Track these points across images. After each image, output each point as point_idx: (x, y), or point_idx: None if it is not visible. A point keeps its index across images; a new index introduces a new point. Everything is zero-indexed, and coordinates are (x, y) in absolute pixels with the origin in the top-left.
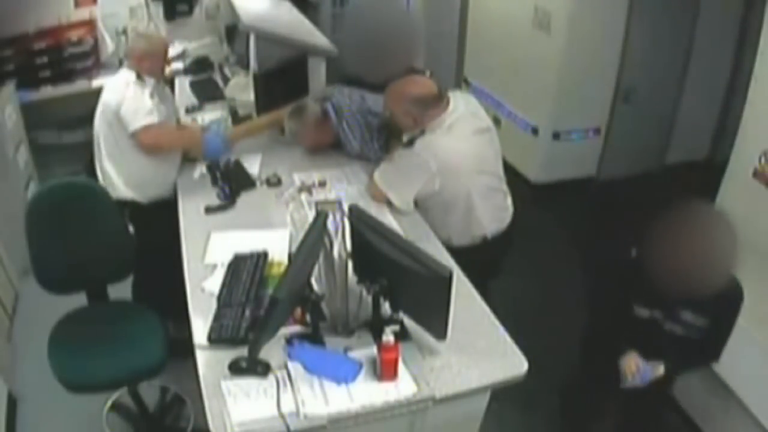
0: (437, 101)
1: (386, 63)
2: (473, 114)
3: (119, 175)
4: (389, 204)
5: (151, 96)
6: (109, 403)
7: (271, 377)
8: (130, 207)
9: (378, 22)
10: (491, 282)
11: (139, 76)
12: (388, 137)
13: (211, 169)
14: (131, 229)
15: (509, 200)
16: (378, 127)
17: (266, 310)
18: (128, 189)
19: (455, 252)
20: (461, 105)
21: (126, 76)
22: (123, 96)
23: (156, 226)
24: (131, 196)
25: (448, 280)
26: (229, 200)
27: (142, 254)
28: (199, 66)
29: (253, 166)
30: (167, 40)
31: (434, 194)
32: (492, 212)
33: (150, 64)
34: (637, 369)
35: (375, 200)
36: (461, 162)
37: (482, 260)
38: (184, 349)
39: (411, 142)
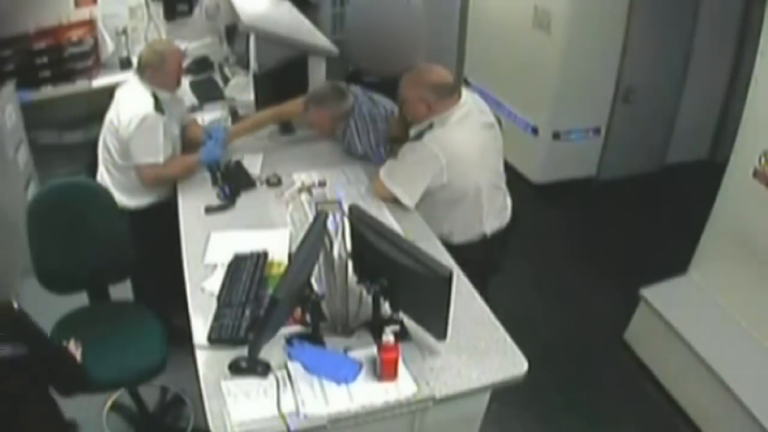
0: (452, 91)
1: (391, 56)
2: (480, 110)
3: (118, 189)
4: (390, 203)
5: (164, 132)
6: (109, 403)
7: (271, 377)
8: (130, 211)
9: (380, 16)
10: (491, 280)
11: (156, 105)
12: (393, 143)
13: (212, 169)
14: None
15: (509, 200)
16: (384, 131)
17: (266, 310)
18: (130, 199)
19: (455, 249)
20: (470, 99)
21: (144, 101)
22: (136, 126)
23: (157, 226)
24: (134, 205)
25: (448, 280)
26: (229, 200)
27: (145, 255)
28: (199, 66)
29: (253, 166)
30: (181, 51)
31: (442, 187)
32: (494, 210)
33: (163, 79)
34: None
35: (381, 198)
36: (470, 154)
37: (481, 258)
38: (184, 337)
39: (419, 136)
